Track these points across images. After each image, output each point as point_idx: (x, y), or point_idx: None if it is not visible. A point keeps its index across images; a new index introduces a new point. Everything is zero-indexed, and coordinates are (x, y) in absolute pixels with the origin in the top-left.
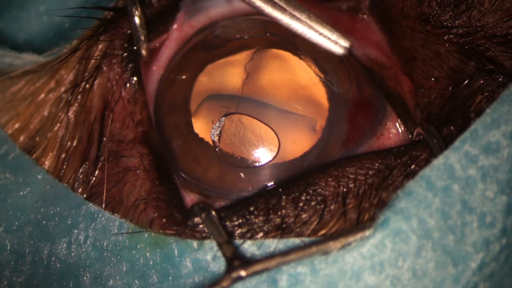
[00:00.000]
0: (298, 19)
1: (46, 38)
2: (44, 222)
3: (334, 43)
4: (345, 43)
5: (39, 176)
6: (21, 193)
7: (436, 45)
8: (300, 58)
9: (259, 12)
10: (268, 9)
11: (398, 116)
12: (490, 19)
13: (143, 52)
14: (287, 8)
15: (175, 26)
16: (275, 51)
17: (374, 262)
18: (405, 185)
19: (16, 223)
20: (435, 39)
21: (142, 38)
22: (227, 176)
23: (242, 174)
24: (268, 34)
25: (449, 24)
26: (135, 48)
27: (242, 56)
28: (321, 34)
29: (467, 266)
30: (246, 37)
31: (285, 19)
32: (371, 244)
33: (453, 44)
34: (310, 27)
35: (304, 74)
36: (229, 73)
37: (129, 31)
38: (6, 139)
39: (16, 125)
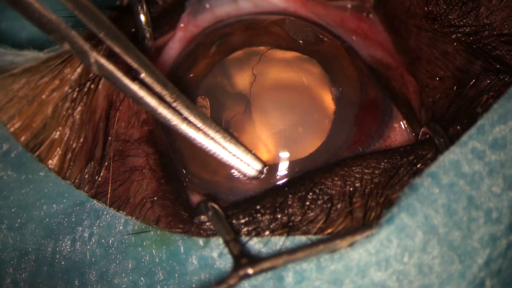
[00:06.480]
0: (212, 138)
1: (48, 37)
2: (47, 219)
3: (247, 165)
4: (258, 165)
5: (42, 174)
6: (23, 191)
7: (443, 44)
8: (308, 59)
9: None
10: (183, 127)
11: (403, 117)
12: (497, 16)
13: (149, 50)
14: (202, 127)
15: (180, 25)
16: (282, 52)
17: (380, 258)
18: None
19: (18, 221)
20: (442, 38)
21: (148, 36)
22: (235, 178)
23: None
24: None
25: (457, 23)
26: (140, 46)
27: (250, 58)
28: (234, 155)
29: (474, 261)
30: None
31: (199, 137)
32: (377, 240)
33: (461, 43)
34: (224, 147)
35: (311, 76)
36: (237, 76)
37: (133, 30)
38: (8, 136)
39: (19, 123)
